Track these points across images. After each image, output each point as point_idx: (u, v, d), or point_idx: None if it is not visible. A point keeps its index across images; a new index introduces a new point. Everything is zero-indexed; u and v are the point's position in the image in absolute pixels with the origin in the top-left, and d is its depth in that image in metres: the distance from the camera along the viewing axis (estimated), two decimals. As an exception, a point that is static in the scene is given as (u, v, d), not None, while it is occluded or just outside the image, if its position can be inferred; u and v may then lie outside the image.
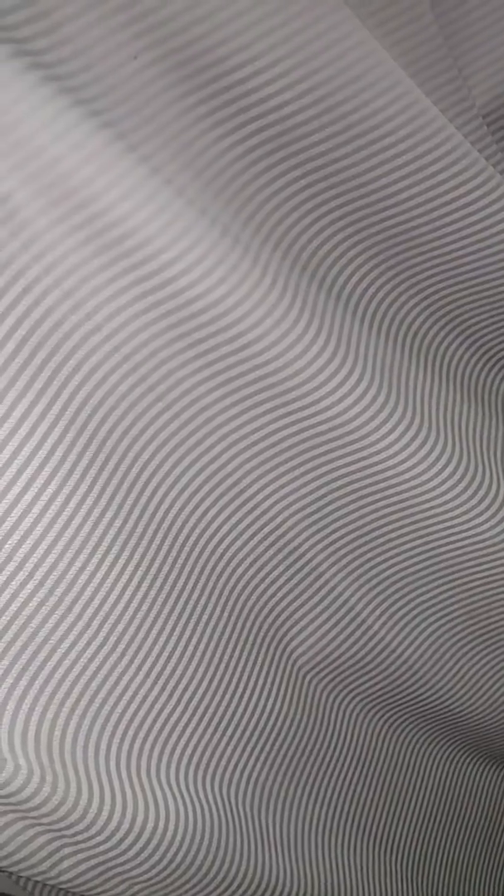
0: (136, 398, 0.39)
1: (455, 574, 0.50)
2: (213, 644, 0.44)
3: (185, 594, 0.42)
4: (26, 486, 0.36)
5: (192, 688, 0.43)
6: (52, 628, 0.37)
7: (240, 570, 0.45)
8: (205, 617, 0.43)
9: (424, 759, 0.57)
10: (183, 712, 0.43)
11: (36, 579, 0.36)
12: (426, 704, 0.54)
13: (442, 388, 0.48)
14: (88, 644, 0.38)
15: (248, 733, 0.46)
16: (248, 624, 0.46)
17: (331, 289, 0.44)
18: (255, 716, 0.46)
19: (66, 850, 0.38)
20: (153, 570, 0.41)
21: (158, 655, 0.41)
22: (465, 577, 0.50)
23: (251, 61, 0.37)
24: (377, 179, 0.42)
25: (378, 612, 0.50)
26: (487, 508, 0.47)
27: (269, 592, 0.47)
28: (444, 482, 0.46)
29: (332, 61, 0.38)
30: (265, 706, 0.47)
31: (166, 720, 0.42)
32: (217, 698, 0.44)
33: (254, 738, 0.46)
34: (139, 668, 0.40)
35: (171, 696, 0.42)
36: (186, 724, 0.43)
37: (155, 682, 0.41)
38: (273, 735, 0.47)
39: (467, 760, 0.60)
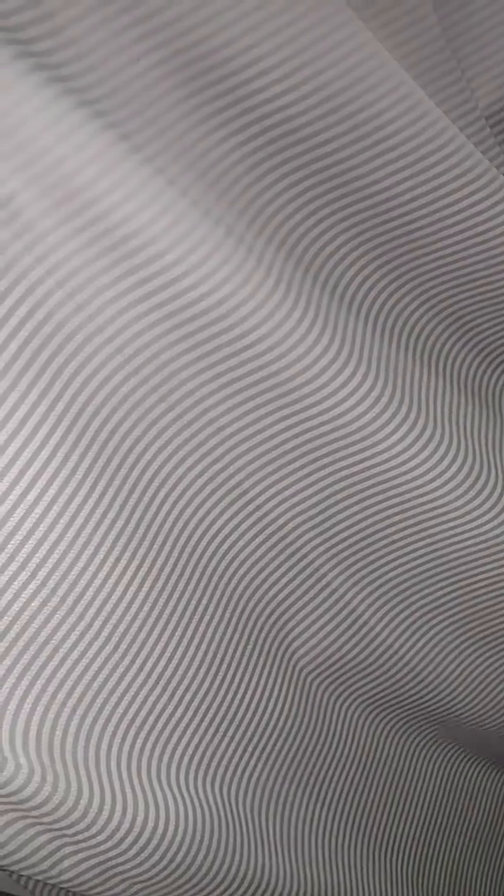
0: (138, 399, 0.39)
1: (459, 576, 0.50)
2: (214, 645, 0.44)
3: (187, 595, 0.42)
4: (29, 487, 0.36)
5: (193, 688, 0.43)
6: (55, 628, 0.37)
7: (241, 571, 0.45)
8: (206, 618, 0.44)
9: (425, 762, 0.57)
10: (184, 713, 0.43)
11: (39, 579, 0.36)
12: (428, 707, 0.54)
13: (446, 390, 0.48)
14: (90, 644, 0.38)
15: (249, 734, 0.46)
16: (250, 625, 0.46)
17: (334, 289, 0.44)
18: (257, 717, 0.46)
19: (67, 850, 0.38)
20: (155, 571, 0.41)
21: (160, 656, 0.41)
22: (469, 579, 0.50)
23: (256, 62, 0.37)
24: (381, 181, 0.42)
25: (380, 613, 0.49)
26: (491, 509, 0.47)
27: (271, 594, 0.47)
28: (447, 483, 0.46)
29: (336, 62, 0.38)
30: (266, 707, 0.47)
31: (167, 721, 0.42)
32: (218, 699, 0.44)
33: (255, 740, 0.46)
34: (140, 669, 0.40)
35: (171, 696, 0.42)
36: (187, 725, 0.43)
37: (156, 683, 0.41)
38: (274, 736, 0.47)
39: (468, 763, 0.59)
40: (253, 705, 0.46)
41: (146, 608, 0.40)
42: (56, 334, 0.36)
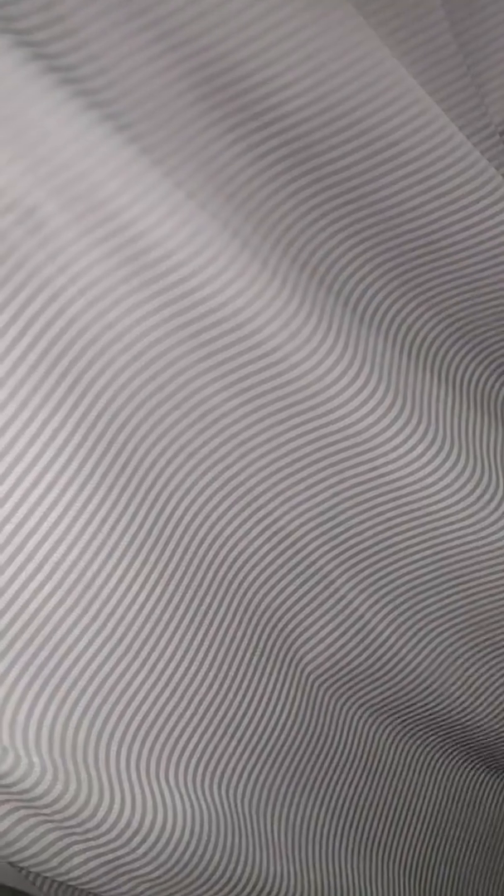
0: (154, 406, 0.40)
1: (467, 584, 0.50)
2: (224, 649, 0.45)
3: (198, 600, 0.43)
4: (48, 490, 0.37)
5: (202, 691, 0.43)
6: (69, 629, 0.38)
7: (252, 577, 0.46)
8: (216, 622, 0.44)
9: (430, 769, 0.57)
10: (192, 715, 0.43)
11: (55, 580, 0.37)
12: (434, 714, 0.54)
13: (456, 401, 0.49)
14: (103, 645, 0.39)
15: (256, 738, 0.47)
16: (260, 630, 0.47)
17: (347, 301, 0.44)
18: (264, 721, 0.47)
19: (76, 848, 0.39)
20: (167, 575, 0.41)
21: (171, 659, 0.42)
22: (477, 588, 0.50)
23: (276, 77, 0.38)
24: (394, 195, 0.42)
25: (388, 620, 0.50)
26: (500, 518, 0.48)
27: (281, 599, 0.47)
28: (456, 493, 0.46)
29: (355, 78, 0.39)
30: (274, 712, 0.47)
31: (176, 722, 0.42)
32: (227, 703, 0.45)
33: (262, 743, 0.47)
34: (151, 670, 0.41)
35: (181, 699, 0.43)
36: (196, 727, 0.43)
37: (166, 685, 0.42)
38: (281, 741, 0.48)
39: (473, 770, 0.60)
40: (261, 710, 0.47)
41: (158, 611, 0.41)
42: (77, 341, 0.37)
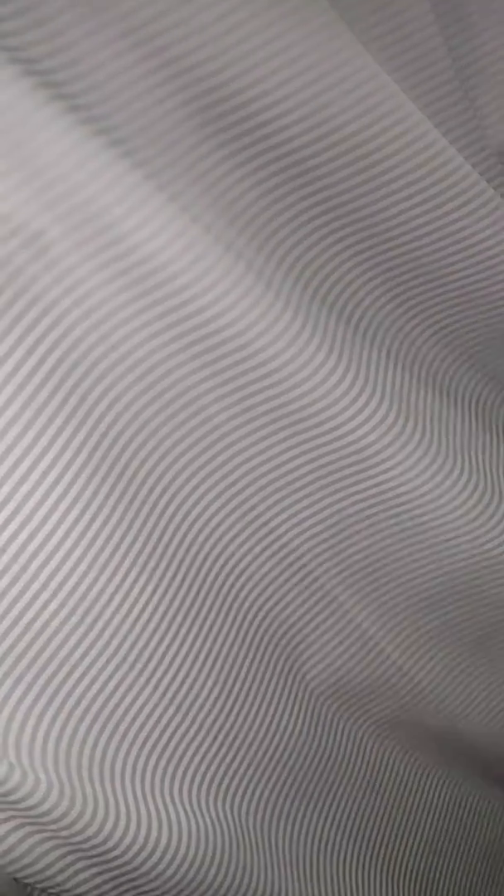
0: (157, 425, 0.40)
1: (469, 599, 0.50)
2: (227, 665, 0.45)
3: (202, 617, 0.43)
4: (52, 509, 0.37)
5: (206, 708, 0.44)
6: (74, 647, 0.38)
7: (255, 593, 0.46)
8: (220, 638, 0.44)
9: (433, 784, 0.57)
10: (197, 732, 0.43)
11: (59, 599, 0.37)
12: (436, 729, 0.54)
13: (456, 417, 0.49)
14: (107, 663, 0.39)
15: (260, 754, 0.47)
16: (263, 646, 0.47)
17: (349, 319, 0.45)
18: (268, 737, 0.47)
19: (82, 864, 0.39)
20: (171, 593, 0.42)
21: (174, 676, 0.42)
22: (476, 602, 0.51)
23: (271, 92, 0.38)
24: (389, 208, 0.43)
25: (391, 635, 0.50)
26: (500, 534, 0.48)
27: (284, 615, 0.47)
28: (459, 507, 0.46)
29: (347, 93, 0.39)
30: (278, 728, 0.48)
31: (181, 739, 0.43)
32: (231, 719, 0.45)
33: (266, 759, 0.47)
34: (155, 688, 0.41)
35: (185, 715, 0.43)
36: (200, 744, 0.44)
37: (170, 702, 0.42)
38: (285, 756, 0.48)
39: (475, 786, 0.60)
40: (265, 725, 0.47)
41: (162, 629, 0.41)
42: (81, 362, 0.37)
